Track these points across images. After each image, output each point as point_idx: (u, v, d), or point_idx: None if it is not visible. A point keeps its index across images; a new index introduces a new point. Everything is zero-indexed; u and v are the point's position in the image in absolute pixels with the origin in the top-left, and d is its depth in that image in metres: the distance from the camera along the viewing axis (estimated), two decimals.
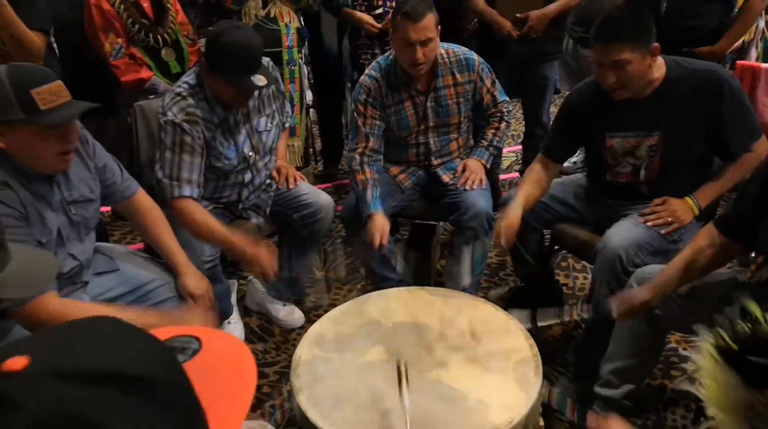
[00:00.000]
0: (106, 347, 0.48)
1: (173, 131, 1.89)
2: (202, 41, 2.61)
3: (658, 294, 1.52)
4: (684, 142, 1.80)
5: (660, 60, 1.77)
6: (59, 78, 1.44)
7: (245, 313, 2.42)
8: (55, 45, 2.39)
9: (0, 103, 1.34)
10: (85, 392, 0.44)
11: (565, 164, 2.84)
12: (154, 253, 1.87)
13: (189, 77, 1.97)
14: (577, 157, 3.17)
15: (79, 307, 1.49)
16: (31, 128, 1.37)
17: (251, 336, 2.31)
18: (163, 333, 0.72)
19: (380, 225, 2.00)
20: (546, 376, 1.49)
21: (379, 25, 2.74)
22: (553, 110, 3.84)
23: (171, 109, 1.90)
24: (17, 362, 0.44)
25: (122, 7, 2.38)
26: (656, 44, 1.70)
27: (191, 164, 1.92)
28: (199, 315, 1.61)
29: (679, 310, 1.58)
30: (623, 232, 1.78)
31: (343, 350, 1.55)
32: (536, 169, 2.03)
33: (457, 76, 2.21)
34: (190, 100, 1.91)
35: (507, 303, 2.32)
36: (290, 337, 2.30)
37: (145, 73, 2.46)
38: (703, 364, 0.84)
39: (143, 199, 1.80)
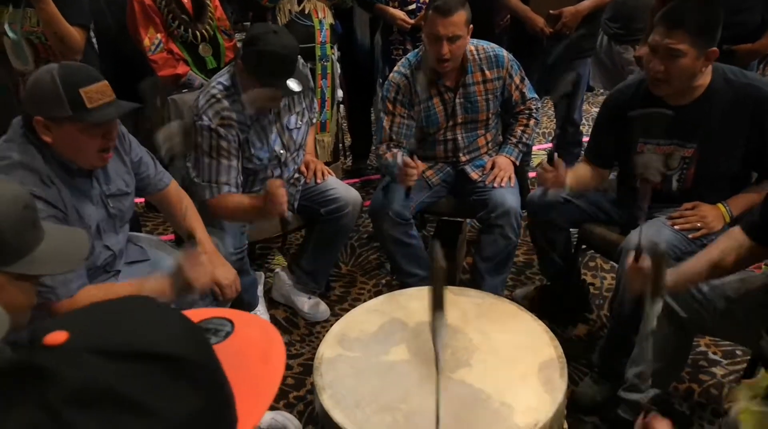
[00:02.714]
0: (140, 326, 0.51)
1: (209, 136, 1.92)
2: (239, 37, 2.66)
3: (678, 284, 1.47)
4: (720, 157, 1.75)
5: (708, 68, 1.71)
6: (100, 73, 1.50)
7: (271, 305, 2.46)
8: (94, 40, 2.46)
9: (50, 100, 1.40)
10: (117, 368, 0.46)
11: None
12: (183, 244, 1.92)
13: (223, 77, 1.99)
14: None
15: (101, 290, 1.53)
16: (76, 125, 1.42)
17: (277, 328, 2.33)
18: (198, 314, 0.74)
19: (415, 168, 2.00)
20: (570, 377, 1.48)
21: (412, 21, 2.74)
22: (586, 108, 3.79)
23: (206, 113, 1.92)
24: (57, 337, 0.47)
25: (163, 2, 2.43)
26: (715, 49, 1.65)
27: (228, 167, 1.95)
28: (201, 270, 1.55)
29: (709, 317, 1.54)
30: (648, 232, 1.74)
31: (365, 349, 1.55)
32: (584, 166, 2.00)
33: (486, 72, 2.20)
34: (225, 103, 1.93)
35: (532, 302, 2.31)
36: (315, 330, 2.33)
37: (181, 69, 2.51)
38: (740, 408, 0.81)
39: (175, 191, 1.85)
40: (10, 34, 2.29)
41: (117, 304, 0.54)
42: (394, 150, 2.19)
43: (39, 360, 0.45)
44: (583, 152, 2.96)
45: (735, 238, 1.45)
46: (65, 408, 0.43)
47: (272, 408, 1.94)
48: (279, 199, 1.83)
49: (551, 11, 2.69)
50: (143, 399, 0.45)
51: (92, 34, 2.41)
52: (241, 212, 1.96)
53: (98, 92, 1.43)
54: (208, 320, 0.74)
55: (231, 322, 0.74)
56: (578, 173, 1.93)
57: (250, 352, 0.71)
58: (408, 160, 1.98)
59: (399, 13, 2.76)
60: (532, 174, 3.38)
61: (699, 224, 1.76)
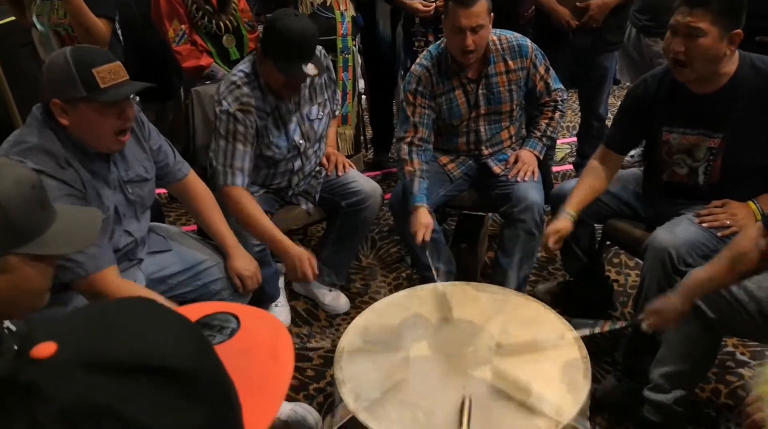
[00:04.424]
0: (135, 336, 0.47)
1: (227, 121, 1.94)
2: (261, 28, 2.67)
3: (692, 301, 1.45)
4: (748, 147, 1.69)
5: (735, 55, 1.66)
6: (122, 63, 1.51)
7: (292, 296, 2.46)
8: (119, 32, 2.48)
9: (64, 82, 1.41)
10: (111, 383, 0.43)
11: None
12: (206, 235, 1.93)
13: (244, 65, 2.00)
14: (635, 151, 3.06)
15: (136, 289, 1.55)
16: (91, 105, 1.43)
17: (297, 319, 2.36)
18: (202, 309, 0.72)
19: (424, 220, 1.99)
20: (593, 375, 1.45)
21: (431, 5, 2.71)
22: (612, 101, 3.72)
23: (226, 99, 1.94)
24: (45, 349, 0.44)
25: None
26: (739, 31, 1.60)
27: (244, 153, 1.96)
28: None
29: (738, 319, 1.50)
30: (675, 229, 1.70)
31: (386, 344, 1.54)
32: (594, 167, 1.93)
33: (510, 62, 2.16)
34: (245, 89, 1.95)
35: (555, 298, 2.28)
36: (335, 322, 2.33)
37: (205, 60, 2.53)
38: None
39: (195, 182, 1.85)
40: (38, 26, 2.32)
41: (111, 308, 0.51)
42: (416, 163, 2.13)
43: (26, 375, 0.43)
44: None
45: (751, 239, 1.40)
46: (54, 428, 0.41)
47: (292, 399, 1.95)
48: (308, 269, 1.88)
49: (578, 3, 2.64)
50: (138, 417, 0.43)
51: (117, 25, 2.43)
52: (254, 229, 1.95)
53: (111, 72, 1.44)
54: (213, 316, 0.72)
55: (236, 317, 0.71)
56: (580, 198, 1.87)
57: (257, 349, 0.69)
58: (419, 229, 1.96)
59: (415, 3, 2.73)
60: (556, 168, 3.34)
61: (728, 222, 1.71)
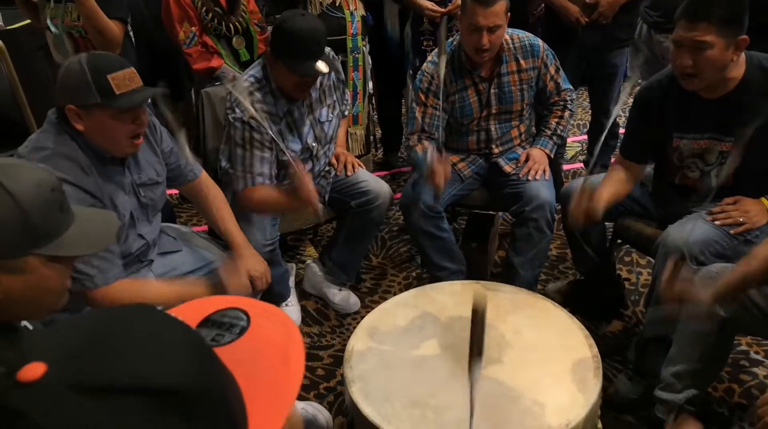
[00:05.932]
0: (130, 354, 0.45)
1: (242, 128, 1.93)
2: (271, 30, 2.69)
3: (719, 300, 1.42)
4: (761, 150, 1.68)
5: (741, 57, 1.64)
6: (134, 65, 1.52)
7: (302, 296, 2.47)
8: (131, 34, 2.51)
9: (80, 88, 1.43)
10: (102, 407, 0.41)
11: None
12: (216, 236, 1.94)
13: (254, 70, 2.00)
14: None
15: (138, 285, 1.57)
16: (106, 111, 1.45)
17: (308, 319, 2.37)
18: (212, 305, 0.71)
19: (443, 167, 1.90)
20: (604, 374, 1.45)
21: (442, 9, 2.71)
22: (623, 99, 3.69)
23: (239, 106, 1.93)
24: (33, 371, 0.42)
25: None
26: (745, 37, 1.58)
27: (262, 159, 1.96)
28: (239, 281, 1.69)
29: (751, 317, 1.49)
30: (687, 228, 1.69)
31: (396, 343, 1.55)
32: (614, 174, 1.90)
33: (521, 62, 2.16)
34: (257, 95, 1.94)
35: (565, 297, 2.27)
36: (345, 321, 2.34)
37: (215, 62, 2.54)
38: None
39: (206, 183, 1.87)
40: (52, 29, 2.35)
41: (106, 321, 0.48)
42: (425, 143, 2.16)
43: (12, 402, 0.41)
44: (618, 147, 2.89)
45: None
46: None
47: (302, 399, 1.96)
48: (307, 188, 1.79)
49: (587, 0, 2.62)
50: None
51: (129, 27, 2.46)
52: (270, 204, 1.97)
53: (126, 78, 1.46)
54: (223, 312, 0.69)
55: (247, 314, 0.69)
56: (605, 197, 1.82)
57: (268, 351, 0.66)
58: (437, 156, 1.89)
59: (427, 3, 2.73)
60: (566, 166, 3.32)
61: (741, 219, 1.69)
